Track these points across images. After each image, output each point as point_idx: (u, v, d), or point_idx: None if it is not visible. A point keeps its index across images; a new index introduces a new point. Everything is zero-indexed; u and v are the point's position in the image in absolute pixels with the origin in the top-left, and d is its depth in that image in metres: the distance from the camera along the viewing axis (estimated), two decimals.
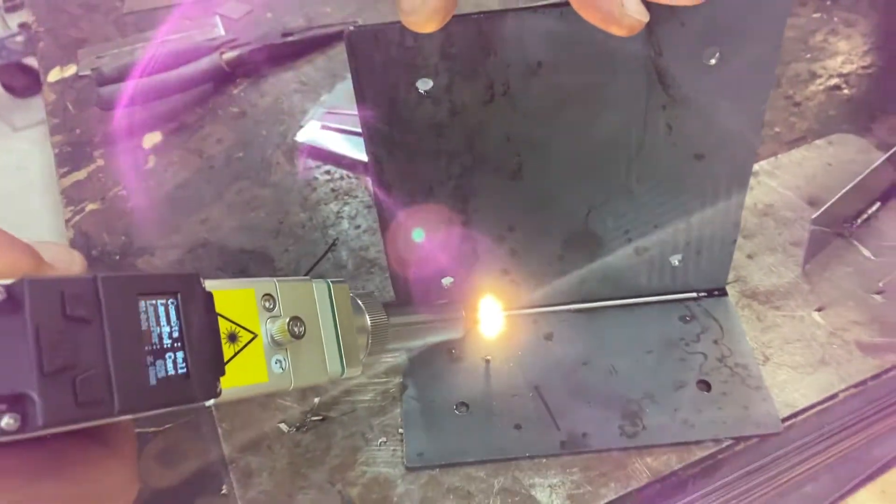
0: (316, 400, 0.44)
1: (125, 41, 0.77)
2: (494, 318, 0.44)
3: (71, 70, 0.75)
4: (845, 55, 0.64)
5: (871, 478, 0.40)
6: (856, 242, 0.48)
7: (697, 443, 0.40)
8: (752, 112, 0.38)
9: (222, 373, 0.26)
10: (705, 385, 0.42)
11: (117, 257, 0.56)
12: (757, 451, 0.40)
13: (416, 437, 0.41)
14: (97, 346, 0.22)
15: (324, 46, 0.73)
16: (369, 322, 0.35)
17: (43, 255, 0.24)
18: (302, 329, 0.29)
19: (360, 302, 0.35)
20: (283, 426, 0.43)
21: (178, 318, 0.24)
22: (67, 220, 0.59)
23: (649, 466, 0.39)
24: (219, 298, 0.26)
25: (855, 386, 0.41)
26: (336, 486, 0.40)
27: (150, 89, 0.66)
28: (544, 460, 0.40)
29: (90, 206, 0.60)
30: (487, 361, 0.44)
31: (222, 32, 0.77)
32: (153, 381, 0.23)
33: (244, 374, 0.27)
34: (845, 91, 0.61)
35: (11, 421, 0.19)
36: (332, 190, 0.58)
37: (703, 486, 0.40)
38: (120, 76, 0.67)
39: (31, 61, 1.98)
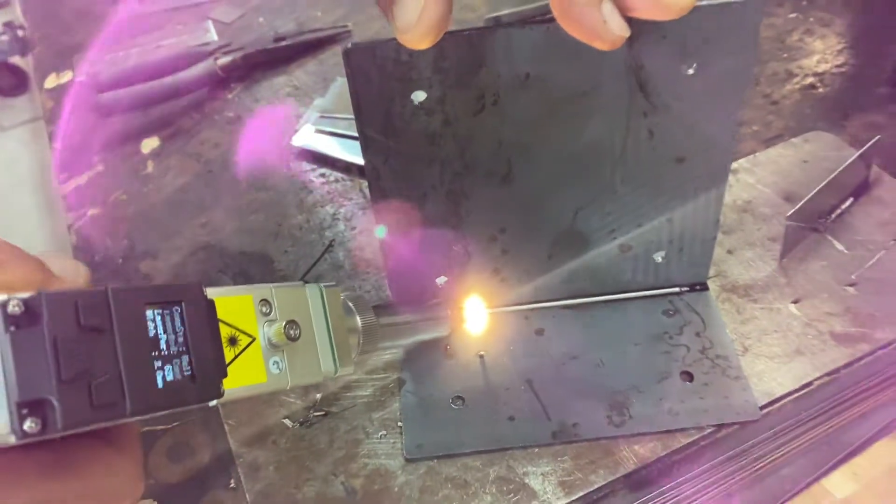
0: (318, 396, 0.46)
1: (120, 46, 0.79)
2: (480, 316, 0.47)
3: (67, 76, 0.76)
4: (820, 54, 0.66)
5: (843, 460, 0.42)
6: (830, 237, 0.51)
7: (681, 430, 0.42)
8: (728, 118, 0.40)
9: (224, 375, 0.28)
10: (688, 376, 0.44)
11: (120, 261, 0.58)
12: (737, 437, 0.42)
13: (415, 430, 0.43)
14: (109, 353, 0.24)
15: (315, 50, 0.74)
16: (360, 323, 0.37)
17: (51, 268, 0.26)
18: (297, 332, 0.32)
19: (350, 304, 0.37)
20: (287, 421, 0.45)
21: (183, 324, 0.26)
22: (70, 226, 0.61)
23: (636, 453, 0.41)
24: (219, 305, 0.28)
25: (828, 374, 0.44)
26: (339, 478, 0.42)
27: (148, 95, 0.67)
28: (537, 450, 0.42)
29: (91, 212, 0.62)
30: (481, 357, 0.46)
31: (215, 37, 0.78)
32: (161, 385, 0.25)
33: (244, 375, 0.29)
34: (820, 89, 0.63)
35: (33, 425, 0.21)
36: (328, 192, 0.60)
37: (687, 471, 0.42)
38: (117, 83, 0.68)
39: (18, 61, 1.98)
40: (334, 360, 0.34)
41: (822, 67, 0.65)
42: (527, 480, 0.41)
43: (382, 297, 0.52)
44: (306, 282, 0.54)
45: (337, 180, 0.61)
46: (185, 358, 0.26)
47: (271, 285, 0.32)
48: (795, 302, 0.47)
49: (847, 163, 0.51)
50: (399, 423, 0.44)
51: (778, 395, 0.43)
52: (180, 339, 0.26)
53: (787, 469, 0.43)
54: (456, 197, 0.42)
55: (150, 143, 0.67)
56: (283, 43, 0.73)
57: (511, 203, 0.43)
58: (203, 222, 0.59)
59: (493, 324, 0.48)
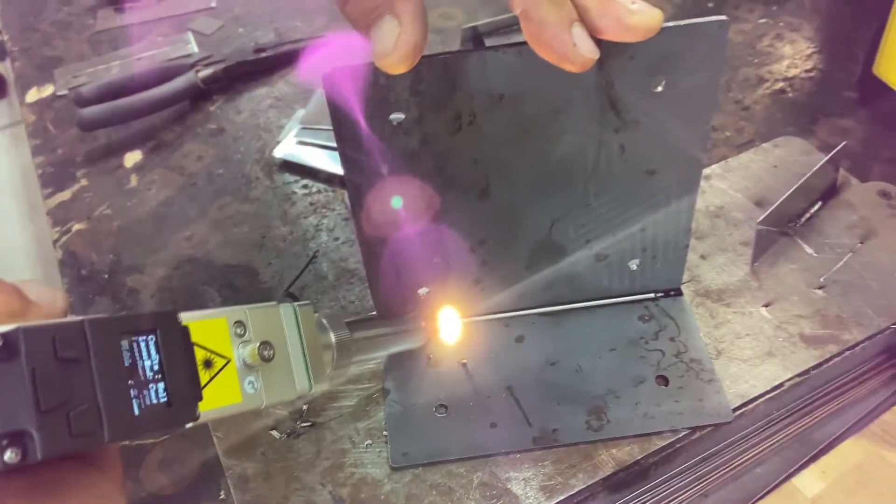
0: (304, 407, 0.47)
1: (100, 59, 0.79)
2: (455, 326, 0.48)
3: (48, 90, 0.77)
4: (790, 59, 0.68)
5: (814, 459, 0.44)
6: (799, 240, 0.52)
7: (657, 433, 0.43)
8: (698, 131, 0.41)
9: (200, 398, 0.29)
10: (663, 380, 0.45)
11: (106, 276, 0.58)
12: (711, 438, 0.44)
13: (400, 439, 0.45)
14: (87, 383, 0.24)
15: (296, 61, 0.75)
16: (334, 339, 0.38)
17: (28, 295, 0.27)
18: (271, 353, 0.33)
19: (324, 321, 0.38)
20: (275, 433, 0.46)
21: (158, 352, 0.27)
22: (55, 241, 0.62)
23: (614, 457, 0.43)
24: (194, 329, 0.29)
25: (799, 375, 0.45)
26: (327, 488, 0.43)
27: (130, 109, 0.68)
28: (518, 455, 0.43)
29: (77, 226, 0.62)
30: (464, 365, 0.48)
31: (195, 49, 0.79)
32: (138, 411, 0.26)
33: (220, 396, 0.30)
34: (790, 94, 0.65)
35: (13, 455, 0.22)
36: (311, 204, 0.61)
37: (664, 472, 0.44)
38: (99, 97, 0.69)
39: None
40: (309, 377, 0.35)
41: (792, 72, 0.67)
42: (509, 486, 0.42)
43: (367, 306, 0.53)
44: (290, 293, 0.55)
45: (319, 191, 0.62)
46: (161, 384, 0.27)
47: (245, 307, 0.33)
48: (767, 305, 0.49)
49: (816, 168, 0.52)
50: (384, 433, 0.45)
51: (751, 396, 0.44)
52: (155, 366, 0.27)
53: (761, 468, 0.45)
54: (435, 212, 0.43)
55: (132, 157, 0.68)
56: (264, 54, 0.74)
57: (489, 217, 0.44)
58: (188, 235, 0.60)
59: (474, 332, 0.49)
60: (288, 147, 0.65)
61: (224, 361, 0.31)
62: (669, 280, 0.49)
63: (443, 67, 0.37)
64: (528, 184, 0.43)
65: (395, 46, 0.32)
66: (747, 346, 0.47)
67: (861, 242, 0.52)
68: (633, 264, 0.48)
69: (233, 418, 0.47)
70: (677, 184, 0.44)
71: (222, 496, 0.45)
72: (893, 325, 0.47)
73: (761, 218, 0.51)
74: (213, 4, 0.84)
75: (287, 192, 0.62)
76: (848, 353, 0.46)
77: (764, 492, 0.43)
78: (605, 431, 0.43)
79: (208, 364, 0.30)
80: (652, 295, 0.50)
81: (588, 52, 0.33)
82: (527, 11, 0.33)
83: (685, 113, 0.40)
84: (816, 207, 0.54)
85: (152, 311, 0.28)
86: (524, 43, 0.34)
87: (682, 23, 0.37)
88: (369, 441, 0.45)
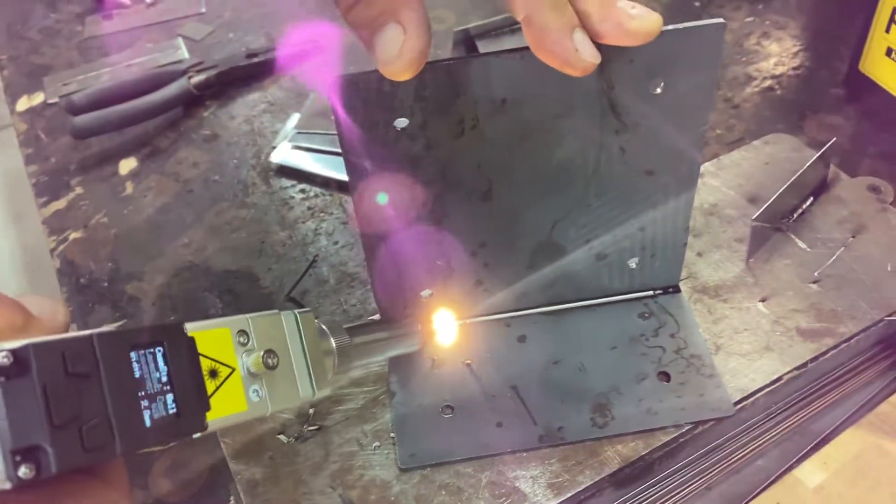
0: (311, 411, 0.47)
1: (90, 66, 0.79)
2: (450, 328, 0.48)
3: (38, 98, 0.76)
4: (777, 57, 0.69)
5: (814, 450, 0.44)
6: (793, 236, 0.53)
7: (661, 429, 0.44)
8: (695, 132, 0.42)
9: (208, 408, 0.29)
10: (665, 376, 0.46)
11: (105, 284, 0.58)
12: (713, 432, 0.45)
13: (407, 440, 0.45)
14: (98, 396, 0.25)
15: (290, 66, 0.75)
16: (334, 345, 0.39)
17: (30, 309, 0.27)
18: (275, 360, 0.33)
19: (324, 327, 0.39)
20: (283, 437, 0.46)
21: (166, 363, 0.28)
22: (52, 250, 0.62)
23: (619, 453, 0.43)
24: (198, 339, 0.30)
25: (797, 368, 0.46)
26: (336, 491, 0.44)
27: (123, 116, 0.68)
28: (525, 454, 0.44)
29: (73, 235, 0.62)
30: (468, 365, 0.48)
31: (186, 55, 0.79)
32: (148, 423, 0.26)
33: (226, 405, 0.30)
34: (778, 92, 0.66)
35: (27, 470, 0.23)
36: (309, 208, 0.61)
37: (668, 466, 0.45)
38: (91, 105, 0.69)
39: None
40: (312, 384, 0.36)
41: (780, 70, 0.68)
42: (517, 484, 0.43)
43: (369, 309, 0.53)
44: (292, 298, 0.55)
45: (317, 195, 0.62)
46: (170, 396, 0.27)
47: (248, 316, 0.33)
48: (763, 300, 0.50)
49: (808, 164, 0.53)
50: (391, 434, 0.46)
51: (750, 390, 0.45)
52: (164, 378, 0.28)
53: (762, 460, 0.46)
54: (438, 215, 0.44)
55: (127, 164, 0.68)
56: (256, 59, 0.74)
57: (491, 219, 0.45)
58: (186, 242, 0.60)
59: (477, 333, 0.49)
60: (284, 152, 0.65)
61: (229, 371, 0.31)
62: (668, 278, 0.50)
63: (447, 73, 0.38)
64: (529, 186, 0.43)
65: (400, 53, 0.33)
66: (745, 340, 0.48)
67: (852, 237, 0.53)
68: (633, 263, 0.48)
69: (240, 423, 0.48)
70: (675, 183, 0.44)
71: (232, 502, 0.45)
72: (887, 317, 0.48)
73: (756, 215, 0.52)
74: (203, 10, 0.84)
75: (284, 196, 0.63)
76: (843, 345, 0.47)
77: (766, 483, 0.44)
78: (610, 428, 0.44)
79: (213, 374, 0.30)
80: (651, 292, 0.50)
81: (590, 56, 0.34)
82: (529, 17, 0.33)
83: (683, 114, 0.41)
84: (808, 203, 0.55)
85: (159, 324, 0.28)
86: (526, 48, 0.35)
87: (679, 26, 0.38)
88: (377, 443, 0.46)
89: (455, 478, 0.44)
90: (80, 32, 0.84)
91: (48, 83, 0.78)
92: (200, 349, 0.30)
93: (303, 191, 0.63)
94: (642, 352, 0.48)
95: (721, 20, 0.38)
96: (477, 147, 0.41)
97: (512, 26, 0.72)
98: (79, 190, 0.66)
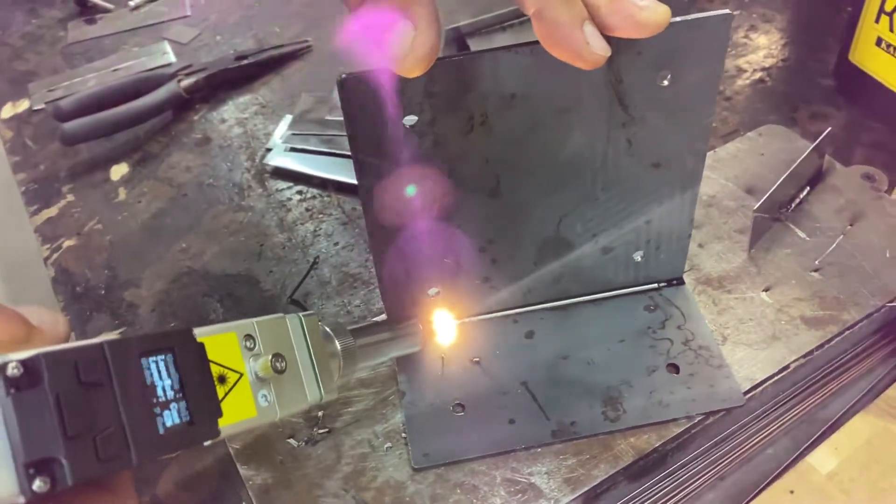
0: (320, 414, 0.47)
1: (75, 72, 0.78)
2: (450, 327, 0.49)
3: (24, 105, 0.75)
4: (766, 49, 0.70)
5: (824, 436, 0.45)
6: (792, 226, 0.54)
7: (672, 420, 0.44)
8: (701, 123, 0.42)
9: (220, 415, 0.29)
10: (674, 368, 0.46)
11: (102, 292, 0.57)
12: (724, 422, 0.45)
13: (420, 440, 0.45)
14: (111, 405, 0.24)
15: (278, 67, 0.75)
16: (339, 347, 0.39)
17: (31, 320, 0.27)
18: (283, 364, 0.33)
19: (328, 329, 0.39)
20: (293, 441, 0.46)
21: (178, 370, 0.27)
22: (46, 259, 0.61)
23: (633, 446, 0.43)
24: (207, 345, 0.29)
25: (803, 356, 0.46)
26: (350, 493, 0.43)
27: (113, 121, 0.67)
28: (539, 450, 0.44)
29: (67, 243, 0.61)
30: (477, 363, 0.48)
31: (173, 58, 0.78)
32: (162, 431, 0.26)
33: (236, 411, 0.30)
34: (769, 83, 0.67)
35: (42, 483, 0.22)
36: (307, 210, 0.61)
37: (681, 458, 0.45)
38: (79, 110, 0.68)
39: None
40: (319, 387, 0.36)
41: (769, 62, 0.68)
42: (533, 480, 0.43)
43: (372, 310, 0.53)
44: (295, 300, 0.55)
45: (314, 196, 0.62)
46: (183, 402, 0.27)
47: (253, 320, 0.33)
48: (766, 290, 0.50)
49: (805, 154, 0.54)
50: (403, 435, 0.45)
51: (759, 379, 0.45)
52: (176, 385, 0.27)
53: (773, 448, 0.46)
54: (446, 212, 0.44)
55: (119, 170, 0.67)
56: (245, 61, 0.73)
57: (498, 215, 0.45)
58: (183, 247, 0.60)
59: (484, 330, 0.49)
60: (279, 154, 0.64)
61: (237, 376, 0.31)
62: (672, 270, 0.50)
63: (456, 69, 0.38)
64: (537, 181, 0.43)
65: (411, 49, 0.33)
66: (751, 330, 0.48)
67: (850, 225, 0.53)
68: (638, 256, 0.49)
69: (248, 429, 0.47)
70: (681, 175, 0.45)
71: None
72: (888, 303, 0.49)
73: (757, 205, 0.52)
74: (188, 13, 0.83)
75: (281, 198, 0.62)
76: (847, 332, 0.48)
77: (778, 471, 0.44)
78: (623, 421, 0.44)
79: (222, 379, 0.30)
80: (656, 285, 0.50)
81: (600, 49, 0.34)
82: (540, 11, 0.33)
83: (689, 105, 0.41)
84: (805, 193, 0.56)
85: (168, 330, 0.28)
86: (536, 42, 0.35)
87: (687, 17, 0.38)
88: (389, 444, 0.45)
89: (469, 476, 0.43)
90: (64, 38, 0.83)
91: (33, 89, 0.76)
92: (209, 355, 0.29)
93: (300, 192, 0.62)
94: (650, 344, 0.48)
95: (727, 11, 0.38)
96: (485, 143, 0.41)
97: (503, 24, 0.72)
98: (70, 197, 0.65)
